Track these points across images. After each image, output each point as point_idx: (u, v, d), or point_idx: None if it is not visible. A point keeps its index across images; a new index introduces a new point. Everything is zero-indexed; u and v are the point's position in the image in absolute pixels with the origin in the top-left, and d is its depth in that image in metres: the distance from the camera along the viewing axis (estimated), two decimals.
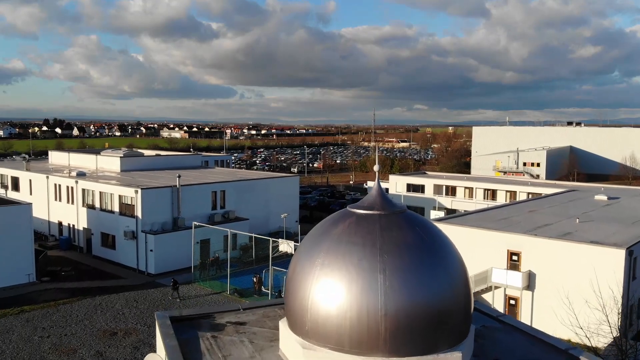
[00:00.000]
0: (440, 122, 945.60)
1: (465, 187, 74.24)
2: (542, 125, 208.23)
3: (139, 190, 51.86)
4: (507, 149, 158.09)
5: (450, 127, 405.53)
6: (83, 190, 59.45)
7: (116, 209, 54.81)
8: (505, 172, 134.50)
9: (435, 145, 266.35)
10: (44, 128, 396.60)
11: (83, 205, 59.67)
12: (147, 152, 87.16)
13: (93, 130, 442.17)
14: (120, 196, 54.32)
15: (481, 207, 70.61)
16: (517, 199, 69.52)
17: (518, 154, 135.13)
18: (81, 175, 65.00)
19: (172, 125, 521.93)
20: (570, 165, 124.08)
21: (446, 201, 74.52)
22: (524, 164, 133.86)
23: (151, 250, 51.27)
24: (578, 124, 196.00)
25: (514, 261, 38.22)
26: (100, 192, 57.09)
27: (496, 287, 38.42)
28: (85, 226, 59.48)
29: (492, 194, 72.31)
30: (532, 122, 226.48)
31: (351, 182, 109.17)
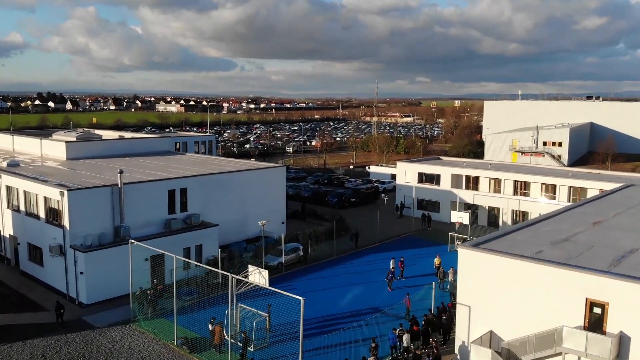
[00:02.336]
0: (442, 95, 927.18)
1: (491, 178, 60.82)
2: (545, 98, 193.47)
3: (65, 192, 38.61)
4: (521, 125, 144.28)
5: (456, 101, 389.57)
6: (7, 187, 46.25)
7: (42, 214, 41.70)
8: (523, 153, 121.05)
9: (441, 121, 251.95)
10: (37, 102, 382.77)
11: (8, 207, 46.57)
12: (108, 135, 73.59)
13: (88, 104, 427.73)
14: (45, 198, 41.15)
15: (513, 206, 57.42)
16: (557, 194, 56.21)
17: (538, 132, 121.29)
18: (13, 165, 51.75)
19: (169, 99, 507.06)
20: (607, 146, 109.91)
21: (467, 195, 61.21)
22: (544, 144, 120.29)
23: (81, 273, 38.26)
24: (597, 97, 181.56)
25: (596, 316, 25.14)
26: (24, 192, 43.88)
27: (566, 353, 25.42)
28: (12, 233, 46.48)
29: (524, 187, 58.96)
30: (536, 94, 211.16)
31: (352, 166, 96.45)
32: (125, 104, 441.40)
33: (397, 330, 30.43)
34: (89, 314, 36.65)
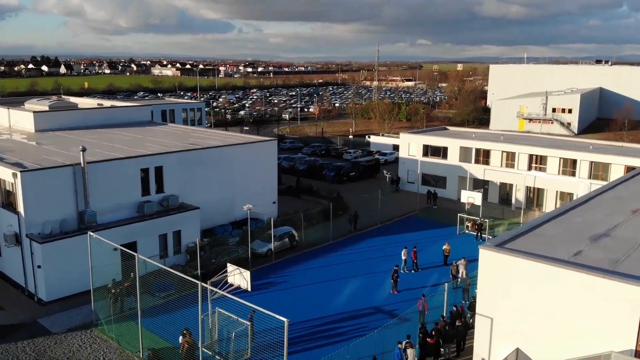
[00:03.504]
0: (444, 59, 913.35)
1: (504, 152, 55.40)
2: (548, 61, 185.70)
3: (18, 174, 33.29)
4: (527, 90, 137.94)
5: (459, 65, 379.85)
6: None
7: None
8: (530, 120, 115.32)
9: (444, 85, 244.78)
10: (30, 66, 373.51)
11: None
12: (85, 103, 67.67)
13: (82, 67, 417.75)
14: (0, 180, 35.92)
15: (527, 182, 52.18)
16: (578, 170, 50.91)
17: (547, 97, 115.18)
18: None
19: (165, 62, 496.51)
20: (624, 114, 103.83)
21: (477, 170, 55.90)
22: (553, 110, 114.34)
23: (39, 267, 33.24)
24: (607, 61, 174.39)
25: None
26: None
27: None
28: None
29: (540, 161, 53.61)
30: (537, 58, 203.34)
31: (351, 136, 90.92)
32: (120, 67, 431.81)
33: (404, 343, 25.55)
34: (47, 314, 31.75)
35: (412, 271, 37.95)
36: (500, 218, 49.91)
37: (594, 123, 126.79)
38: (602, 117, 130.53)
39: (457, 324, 27.07)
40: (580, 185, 50.31)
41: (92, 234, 29.63)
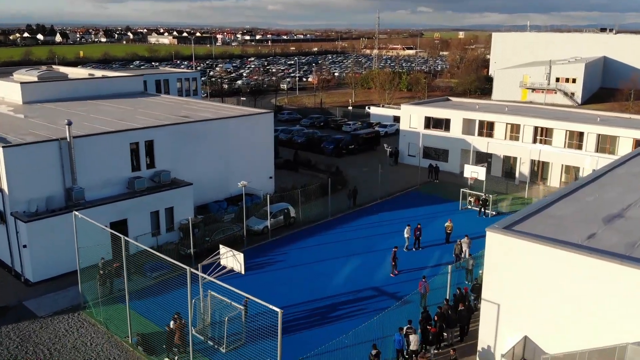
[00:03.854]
0: (445, 26, 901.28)
1: (508, 124, 53.63)
2: (549, 29, 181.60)
3: (1, 149, 31.66)
4: (530, 59, 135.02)
5: (460, 33, 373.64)
6: None
7: None
8: (533, 90, 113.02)
9: (445, 53, 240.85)
10: (26, 34, 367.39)
11: None
12: (76, 73, 65.48)
13: (78, 36, 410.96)
14: None
15: (532, 156, 50.63)
16: (584, 143, 49.26)
17: (550, 67, 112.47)
18: None
19: (162, 30, 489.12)
20: (631, 85, 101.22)
21: (480, 143, 54.18)
22: (557, 80, 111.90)
23: (24, 246, 31.87)
24: (611, 30, 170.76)
25: None
26: None
27: None
28: None
29: (545, 133, 51.91)
30: (539, 26, 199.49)
31: (350, 107, 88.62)
32: (116, 36, 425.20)
33: (405, 329, 24.34)
34: (34, 296, 30.52)
35: (414, 249, 36.65)
36: (504, 192, 48.45)
37: (597, 93, 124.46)
38: (606, 87, 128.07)
39: (460, 308, 25.81)
40: (587, 159, 48.75)
41: (77, 213, 28.14)
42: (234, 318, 25.29)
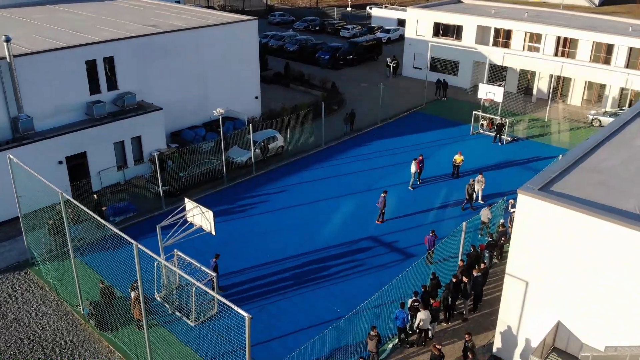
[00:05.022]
0: None
1: (527, 33, 47.09)
2: None
3: None
4: None
5: None
6: None
7: None
8: None
9: None
10: None
11: None
12: None
13: None
14: None
15: (553, 70, 44.74)
16: (613, 57, 43.16)
17: None
18: None
19: None
20: None
21: (495, 54, 47.88)
22: None
23: None
24: None
25: None
26: None
27: None
28: None
29: (569, 44, 45.59)
30: None
31: (349, 9, 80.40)
32: None
33: (411, 302, 20.18)
34: None
35: (418, 182, 31.99)
36: (521, 113, 43.07)
37: None
38: None
39: (475, 274, 21.54)
40: (614, 76, 43.00)
41: (11, 157, 23.07)
42: (202, 288, 21.01)
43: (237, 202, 30.08)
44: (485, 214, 25.54)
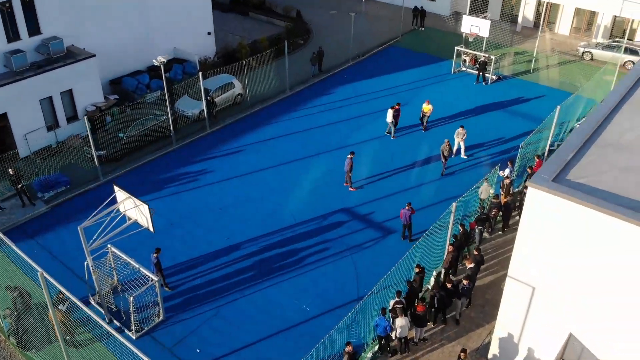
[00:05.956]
0: None
1: None
2: None
3: None
4: None
5: None
6: None
7: None
8: None
9: None
10: None
11: None
12: None
13: None
14: None
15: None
16: None
17: None
18: None
19: None
20: None
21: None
22: None
23: None
24: None
25: None
26: None
27: None
28: None
29: None
30: None
31: None
32: None
33: (393, 303, 17.06)
34: None
35: (392, 137, 28.32)
36: (507, 45, 38.86)
37: None
38: None
39: (467, 265, 18.43)
40: (607, 3, 38.75)
41: None
42: (143, 293, 17.49)
43: (188, 166, 26.07)
44: (485, 190, 21.92)
